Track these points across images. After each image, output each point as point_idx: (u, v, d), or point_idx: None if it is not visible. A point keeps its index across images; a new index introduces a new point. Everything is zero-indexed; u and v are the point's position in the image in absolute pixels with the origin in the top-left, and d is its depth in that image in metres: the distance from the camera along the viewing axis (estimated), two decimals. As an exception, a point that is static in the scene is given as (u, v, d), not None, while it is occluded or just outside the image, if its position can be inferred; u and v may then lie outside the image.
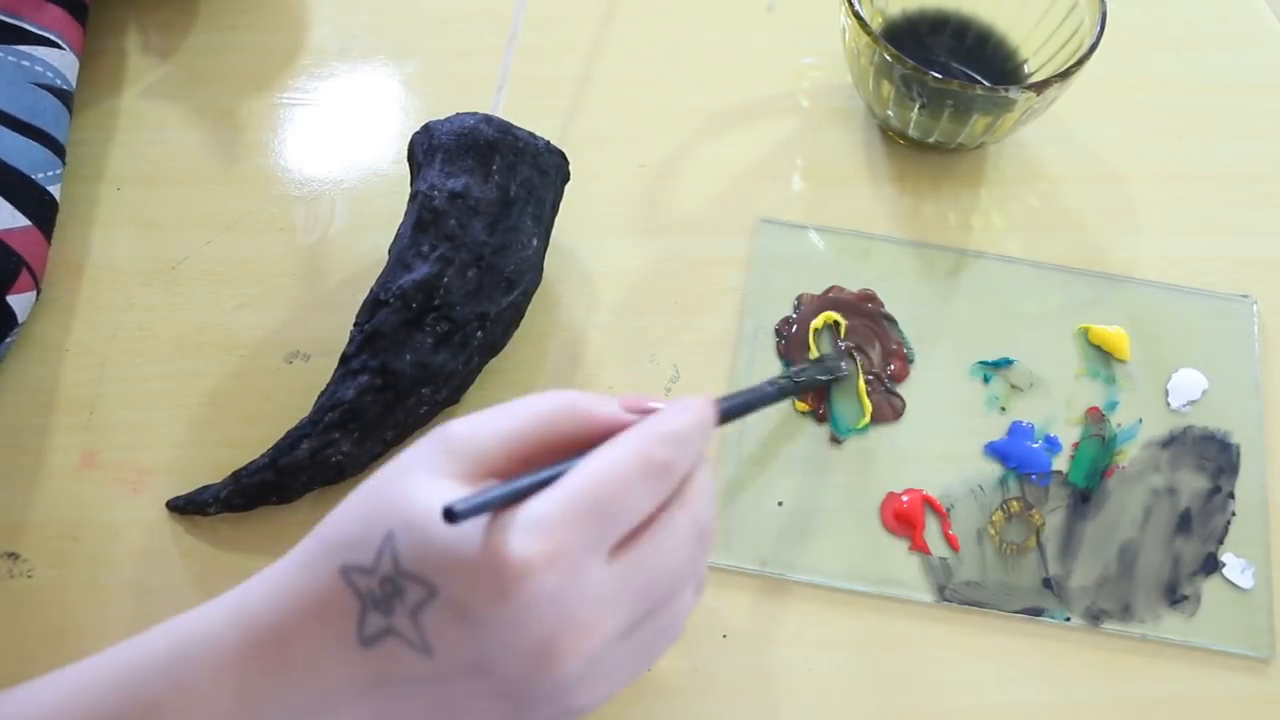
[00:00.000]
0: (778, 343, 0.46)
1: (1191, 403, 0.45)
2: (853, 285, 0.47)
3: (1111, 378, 0.46)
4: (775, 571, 0.41)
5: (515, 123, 0.42)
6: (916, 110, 0.47)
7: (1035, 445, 0.44)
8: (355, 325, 0.41)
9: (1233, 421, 0.45)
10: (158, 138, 0.50)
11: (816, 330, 0.46)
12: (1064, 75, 0.44)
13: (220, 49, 0.53)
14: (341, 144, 0.51)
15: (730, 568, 0.41)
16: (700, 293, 0.47)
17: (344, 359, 0.40)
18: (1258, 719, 0.40)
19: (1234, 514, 0.43)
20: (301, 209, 0.48)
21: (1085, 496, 0.43)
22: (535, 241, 0.42)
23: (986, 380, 0.45)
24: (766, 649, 0.40)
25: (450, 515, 0.25)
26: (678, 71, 0.54)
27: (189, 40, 0.53)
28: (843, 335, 0.46)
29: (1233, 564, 0.42)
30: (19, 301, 0.42)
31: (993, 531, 0.42)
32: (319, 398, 0.40)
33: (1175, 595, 0.41)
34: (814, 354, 0.45)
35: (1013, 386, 0.45)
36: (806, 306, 0.47)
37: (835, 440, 0.44)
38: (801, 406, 0.44)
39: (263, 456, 0.40)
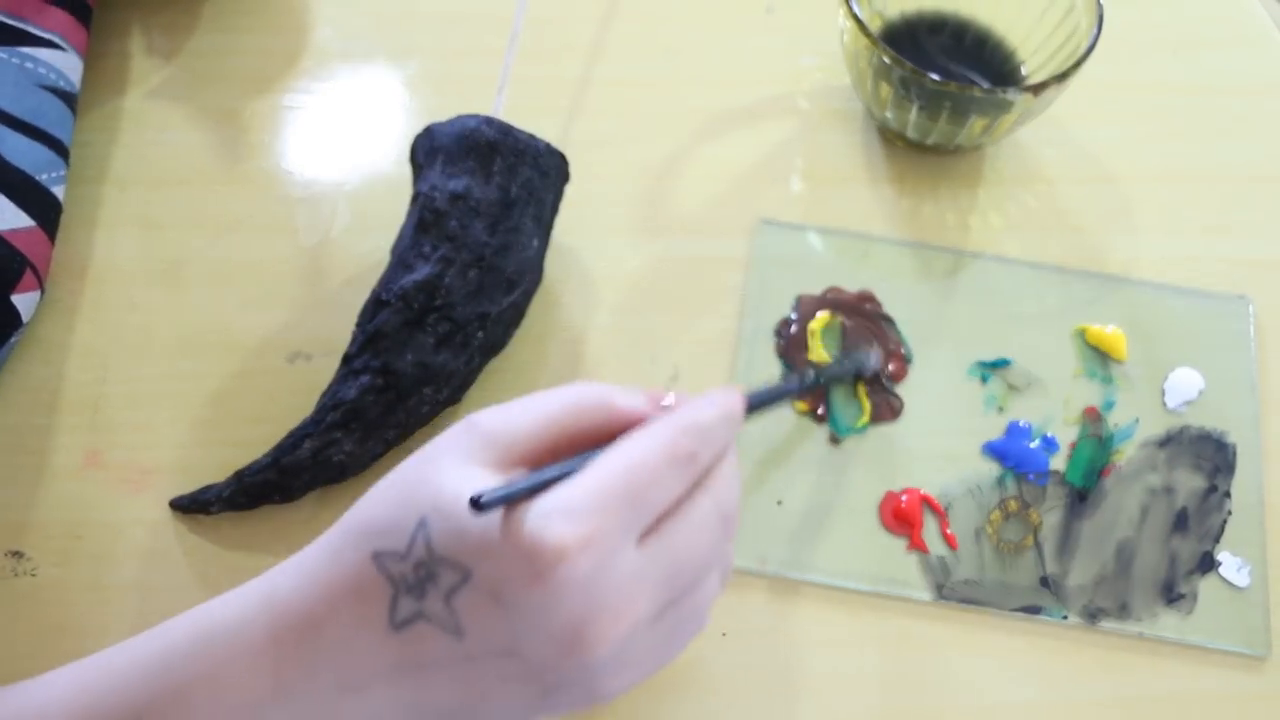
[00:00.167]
0: (777, 343, 0.46)
1: (1188, 403, 0.45)
2: (852, 286, 0.48)
3: (1109, 378, 0.46)
4: (774, 570, 0.41)
5: (516, 124, 0.43)
6: (915, 111, 0.47)
7: (1033, 445, 0.44)
8: (357, 325, 0.41)
9: (1229, 421, 0.45)
10: (161, 139, 0.50)
11: (815, 332, 0.46)
12: (1061, 77, 0.44)
13: (223, 51, 0.53)
14: (343, 145, 0.51)
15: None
16: (700, 293, 0.47)
17: (346, 359, 0.41)
18: (1254, 717, 0.40)
19: (1230, 513, 0.43)
20: (304, 210, 0.49)
21: (1082, 496, 0.43)
22: (536, 242, 0.43)
23: (984, 380, 0.46)
24: (766, 647, 0.40)
25: (477, 504, 0.25)
26: (678, 73, 0.54)
27: (192, 42, 0.53)
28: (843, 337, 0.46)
29: (1229, 563, 0.42)
30: (23, 301, 0.42)
31: (990, 530, 0.42)
32: (321, 397, 0.41)
33: (1172, 594, 0.42)
34: (813, 354, 0.46)
35: (1010, 386, 0.46)
36: (805, 307, 0.47)
37: (834, 440, 0.44)
38: (801, 406, 0.45)
39: (265, 456, 0.40)
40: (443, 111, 0.44)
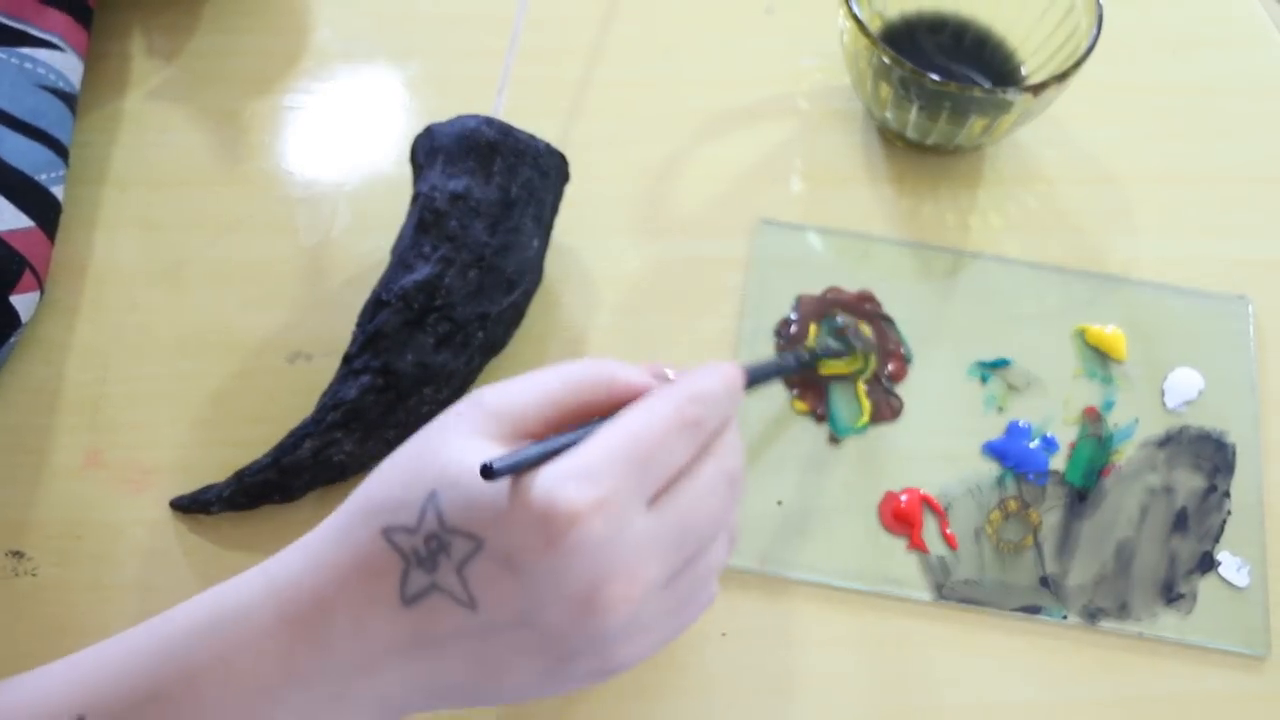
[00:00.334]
0: (777, 343, 0.46)
1: (1188, 402, 0.46)
2: (851, 286, 0.48)
3: (1108, 378, 0.46)
4: (774, 570, 0.41)
5: (516, 124, 0.43)
6: (915, 112, 0.47)
7: (1032, 445, 0.44)
8: (357, 325, 0.41)
9: (1229, 421, 0.45)
10: (161, 140, 0.50)
11: (817, 336, 0.46)
12: (1061, 77, 0.44)
13: (223, 51, 0.53)
14: (344, 146, 0.51)
15: (730, 566, 0.41)
16: (700, 293, 0.47)
17: (346, 359, 0.41)
18: (1253, 716, 0.40)
19: (1230, 513, 0.43)
20: (304, 210, 0.49)
21: (1082, 496, 0.43)
22: (536, 242, 0.43)
23: (984, 380, 0.46)
24: (766, 647, 0.40)
25: (488, 472, 0.25)
26: (677, 73, 0.54)
27: (192, 43, 0.53)
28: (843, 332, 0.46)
29: (1228, 562, 0.42)
30: (22, 302, 0.42)
31: (990, 530, 0.42)
32: (321, 397, 0.41)
33: (1172, 593, 0.42)
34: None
35: (1010, 386, 0.46)
36: (805, 307, 0.47)
37: (834, 440, 0.44)
38: (801, 406, 0.45)
39: (265, 456, 0.40)
40: (443, 112, 0.44)
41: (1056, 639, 0.41)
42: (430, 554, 0.27)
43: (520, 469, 0.26)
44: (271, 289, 0.46)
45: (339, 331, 0.43)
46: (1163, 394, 0.46)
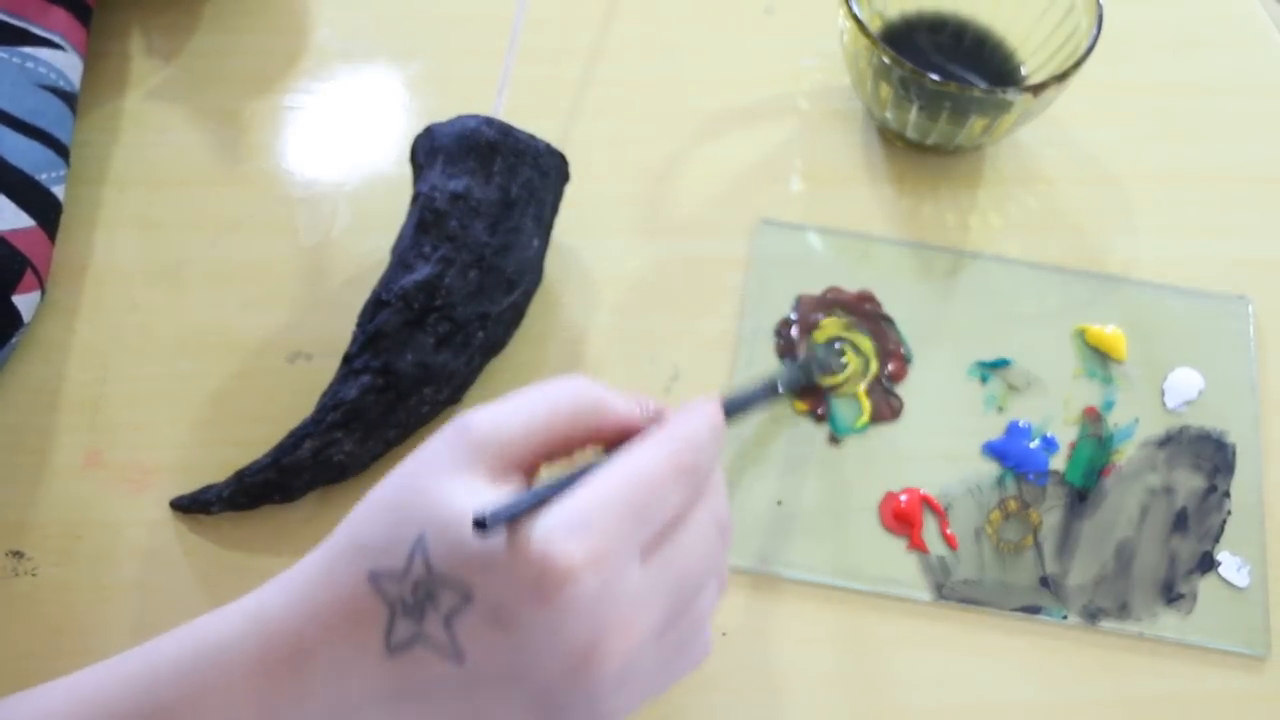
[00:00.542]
0: (776, 343, 0.46)
1: (1188, 403, 0.46)
2: (851, 286, 0.48)
3: (1108, 378, 0.46)
4: (774, 570, 0.41)
5: (516, 124, 0.43)
6: (915, 112, 0.47)
7: (1032, 445, 0.44)
8: (357, 325, 0.41)
9: (1229, 421, 0.45)
10: (161, 140, 0.50)
11: (816, 343, 0.46)
12: (1061, 77, 0.44)
13: (223, 51, 0.53)
14: (344, 146, 0.51)
15: (730, 566, 0.41)
16: (700, 293, 0.47)
17: (346, 359, 0.41)
18: (1253, 717, 0.40)
19: (1230, 513, 0.43)
20: (304, 210, 0.49)
21: (1082, 496, 0.43)
22: (536, 242, 0.43)
23: (984, 380, 0.46)
24: (766, 647, 0.40)
25: (481, 524, 0.24)
26: (677, 73, 0.54)
27: (192, 42, 0.53)
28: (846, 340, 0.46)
29: (1229, 562, 0.42)
30: (24, 302, 0.42)
31: (990, 530, 0.42)
32: (321, 397, 0.41)
33: (1172, 593, 0.42)
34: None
35: (1010, 386, 0.46)
36: (805, 307, 0.47)
37: (834, 440, 0.44)
38: (800, 406, 0.45)
39: (266, 456, 0.40)
40: (443, 112, 0.44)
41: (1056, 639, 0.41)
42: (417, 602, 0.25)
43: (513, 518, 0.25)
44: (271, 289, 0.46)
45: (339, 331, 0.43)
46: (1163, 394, 0.46)
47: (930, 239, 0.49)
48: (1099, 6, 0.46)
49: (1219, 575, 0.42)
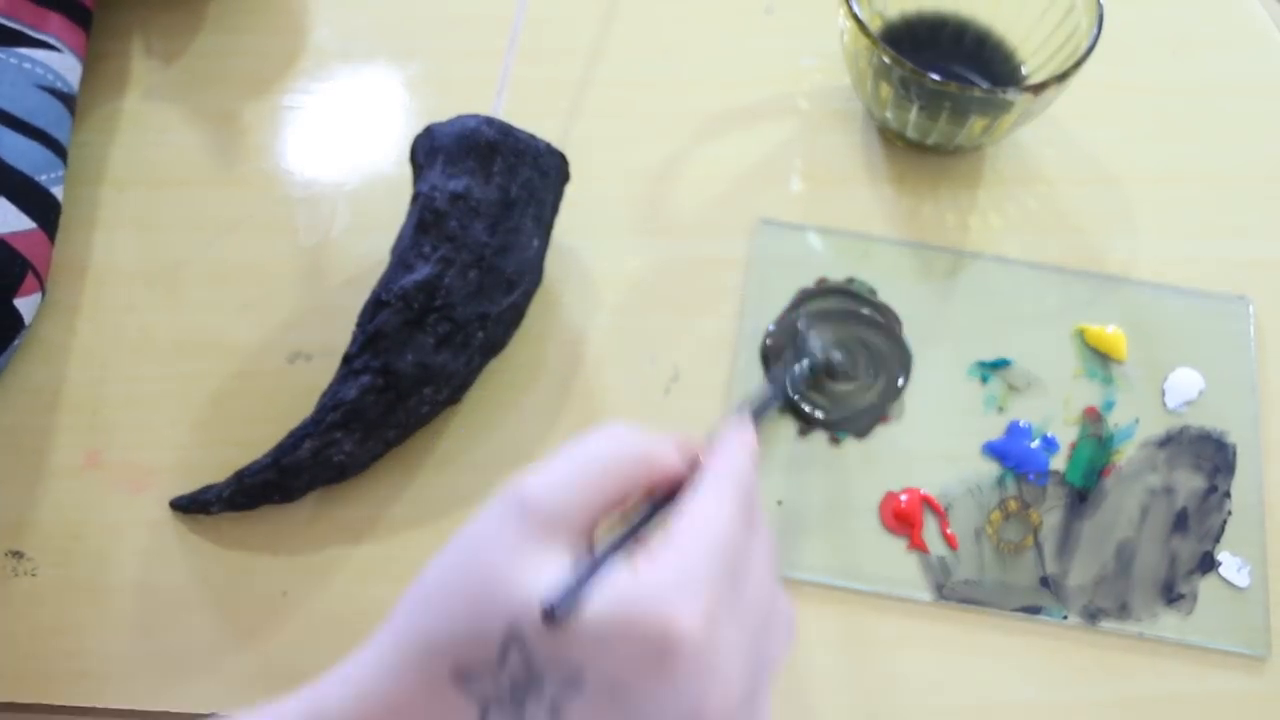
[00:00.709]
0: (763, 341, 0.46)
1: (1188, 403, 0.45)
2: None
3: (1109, 378, 0.46)
4: (774, 570, 0.41)
5: (516, 125, 0.43)
6: (915, 112, 0.47)
7: (1033, 445, 0.44)
8: (357, 326, 0.41)
9: (1229, 421, 0.45)
10: (160, 140, 0.50)
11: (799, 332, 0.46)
12: (1061, 77, 0.44)
13: (222, 52, 0.53)
14: (343, 146, 0.51)
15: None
16: (700, 293, 0.47)
17: (346, 359, 0.41)
18: (1254, 717, 0.40)
19: (1230, 513, 0.43)
20: (303, 210, 0.49)
21: (1082, 496, 0.43)
22: (536, 242, 0.43)
23: (984, 380, 0.46)
24: (766, 647, 0.40)
25: (551, 616, 0.24)
26: (677, 73, 0.54)
27: (191, 43, 0.53)
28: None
29: (1229, 563, 0.42)
30: (25, 304, 0.42)
31: (990, 530, 0.42)
32: (321, 398, 0.41)
33: (1172, 594, 0.42)
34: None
35: (1010, 387, 0.46)
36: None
37: (834, 440, 0.44)
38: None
39: (265, 456, 0.40)
40: (443, 112, 0.44)
41: (1056, 639, 0.41)
42: (515, 695, 0.24)
43: (581, 598, 0.24)
44: (271, 289, 0.46)
45: (339, 331, 0.43)
46: (1163, 394, 0.46)
47: (930, 239, 0.49)
48: (1099, 6, 0.46)
49: (1219, 575, 0.42)
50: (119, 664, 0.39)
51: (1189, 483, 0.44)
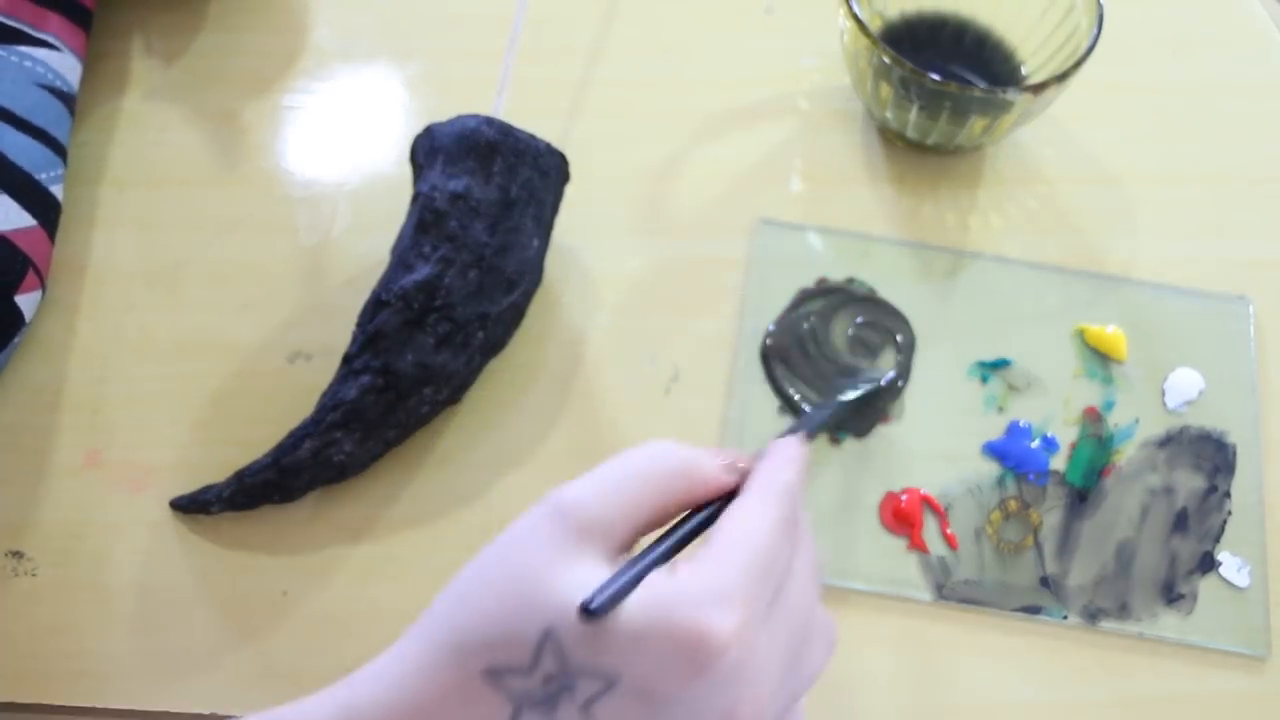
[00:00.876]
0: (763, 341, 0.46)
1: (1188, 403, 0.45)
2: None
3: (1109, 378, 0.46)
4: (774, 570, 0.41)
5: (516, 124, 0.43)
6: (915, 112, 0.47)
7: (1033, 445, 0.44)
8: (357, 326, 0.41)
9: (1229, 421, 0.45)
10: (160, 140, 0.50)
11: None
12: (1061, 77, 0.44)
13: (222, 51, 0.53)
14: (343, 146, 0.51)
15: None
16: (700, 293, 0.47)
17: (346, 359, 0.41)
18: (1254, 717, 0.40)
19: (1230, 513, 0.43)
20: (303, 210, 0.49)
21: (1082, 496, 0.43)
22: (536, 242, 0.43)
23: (984, 380, 0.46)
24: (766, 647, 0.40)
25: (589, 612, 0.24)
26: (678, 73, 0.54)
27: (191, 43, 0.53)
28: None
29: (1229, 563, 0.42)
30: (26, 302, 0.42)
31: (990, 530, 0.42)
32: (321, 398, 0.41)
33: (1172, 594, 0.42)
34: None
35: (1010, 387, 0.46)
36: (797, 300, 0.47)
37: (834, 440, 0.44)
38: (800, 406, 0.45)
39: (265, 456, 0.40)
40: (443, 112, 0.44)
41: (1056, 639, 0.41)
42: (549, 696, 0.24)
43: (619, 600, 0.25)
44: (271, 289, 0.46)
45: (339, 331, 0.43)
46: (1163, 394, 0.46)
47: (930, 239, 0.49)
48: (1099, 6, 0.46)
49: (1219, 575, 0.42)
50: (119, 664, 0.39)
51: (1189, 483, 0.44)
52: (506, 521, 0.27)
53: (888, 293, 0.47)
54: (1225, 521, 0.43)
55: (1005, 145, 0.52)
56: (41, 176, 0.44)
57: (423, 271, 0.40)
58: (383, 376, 0.39)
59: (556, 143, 0.44)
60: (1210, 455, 0.44)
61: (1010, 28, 0.51)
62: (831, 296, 0.47)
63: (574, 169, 0.45)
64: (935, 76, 0.44)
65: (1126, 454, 0.44)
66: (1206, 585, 0.42)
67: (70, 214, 0.47)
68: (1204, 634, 0.41)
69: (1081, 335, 0.47)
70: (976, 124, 0.47)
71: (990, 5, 0.51)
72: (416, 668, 0.25)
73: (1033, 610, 0.41)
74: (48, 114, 0.46)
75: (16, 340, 0.42)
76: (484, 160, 0.41)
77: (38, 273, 0.43)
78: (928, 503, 0.43)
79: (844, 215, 0.50)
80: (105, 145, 0.50)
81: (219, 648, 0.39)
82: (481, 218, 0.41)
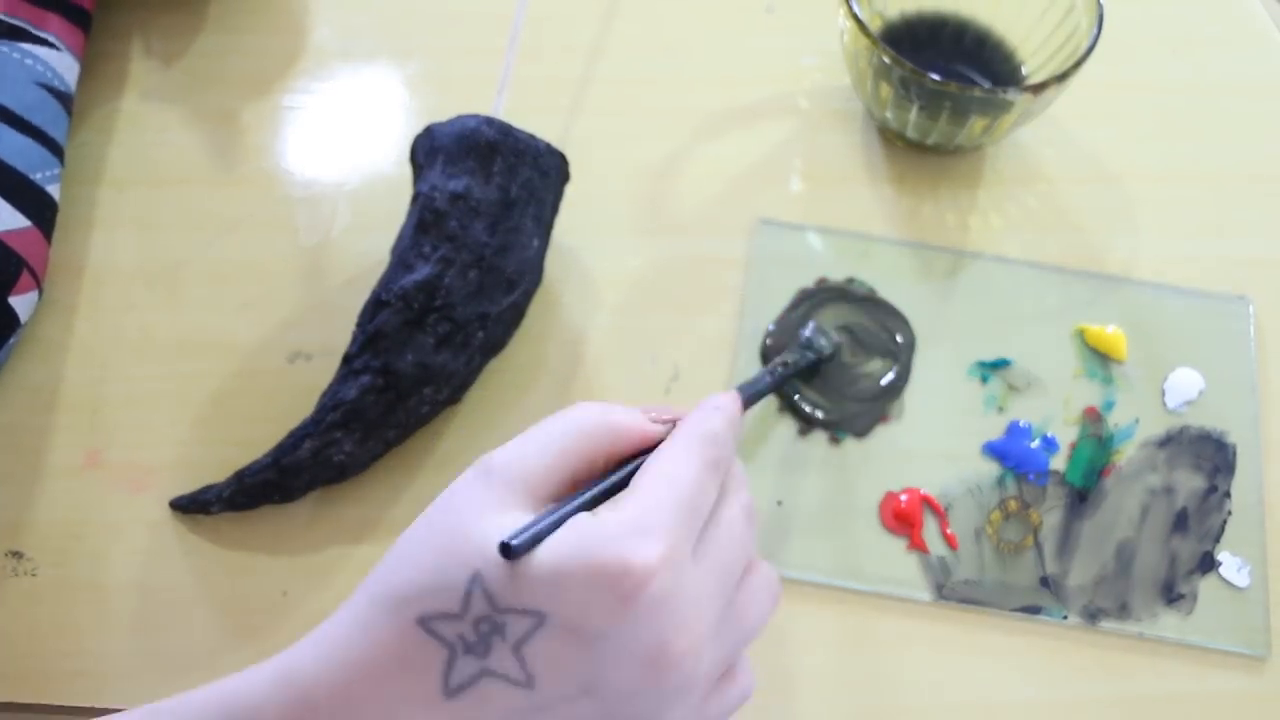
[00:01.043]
0: (763, 341, 0.46)
1: (1188, 403, 0.45)
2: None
3: (1109, 378, 0.46)
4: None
5: (516, 124, 0.43)
6: (915, 112, 0.47)
7: (1033, 445, 0.44)
8: (357, 326, 0.41)
9: (1229, 421, 0.45)
10: (160, 140, 0.50)
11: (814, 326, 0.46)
12: (1061, 77, 0.44)
13: (222, 51, 0.53)
14: (343, 146, 0.51)
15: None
16: (700, 293, 0.47)
17: (346, 359, 0.41)
18: (1254, 717, 0.40)
19: (1230, 513, 0.43)
20: (303, 210, 0.49)
21: (1082, 496, 0.43)
22: (536, 242, 0.43)
23: (984, 380, 0.46)
24: (765, 647, 0.40)
25: (508, 551, 0.25)
26: (678, 72, 0.54)
27: (191, 43, 0.53)
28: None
29: (1229, 563, 0.42)
30: (21, 302, 0.42)
31: (990, 530, 0.42)
32: (321, 398, 0.41)
33: (1172, 594, 0.42)
34: None
35: (1010, 387, 0.46)
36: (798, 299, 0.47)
37: (834, 440, 0.44)
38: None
39: (265, 456, 0.40)
40: (443, 111, 0.44)
41: (1056, 639, 0.41)
42: (481, 638, 0.25)
43: (540, 539, 0.25)
44: (271, 289, 0.46)
45: (339, 332, 0.43)
46: (1163, 394, 0.46)
47: (930, 239, 0.49)
48: (1099, 6, 0.46)
49: (1219, 575, 0.42)
50: (118, 664, 0.39)
51: (1189, 483, 0.44)
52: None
53: (888, 293, 0.47)
54: (1225, 521, 0.43)
55: (1005, 145, 0.52)
56: (37, 176, 0.44)
57: (423, 271, 0.40)
58: (383, 376, 0.39)
59: (557, 141, 0.44)
60: (1210, 455, 0.44)
61: (1010, 28, 0.51)
62: (830, 295, 0.47)
63: (574, 167, 0.45)
64: (935, 76, 0.44)
65: (1126, 454, 0.44)
66: (1206, 585, 0.42)
67: (69, 214, 0.47)
68: (1204, 634, 0.41)
69: (1081, 335, 0.47)
70: (976, 124, 0.47)
71: (990, 5, 0.51)
72: (355, 624, 0.26)
73: (1033, 610, 0.41)
74: (45, 113, 0.46)
75: (12, 341, 0.42)
76: (484, 160, 0.41)
77: (33, 273, 0.43)
78: (928, 503, 0.43)
79: (844, 215, 0.50)
80: (105, 145, 0.50)
81: (219, 648, 0.39)
82: (481, 218, 0.41)
